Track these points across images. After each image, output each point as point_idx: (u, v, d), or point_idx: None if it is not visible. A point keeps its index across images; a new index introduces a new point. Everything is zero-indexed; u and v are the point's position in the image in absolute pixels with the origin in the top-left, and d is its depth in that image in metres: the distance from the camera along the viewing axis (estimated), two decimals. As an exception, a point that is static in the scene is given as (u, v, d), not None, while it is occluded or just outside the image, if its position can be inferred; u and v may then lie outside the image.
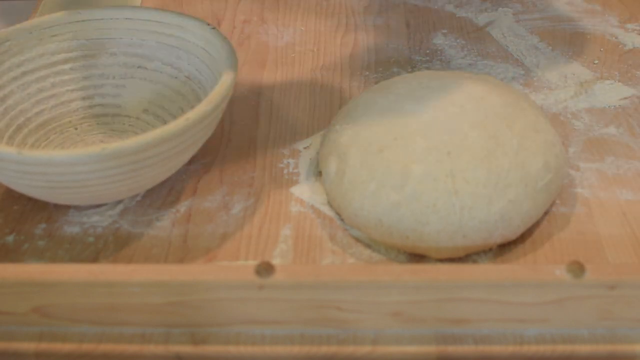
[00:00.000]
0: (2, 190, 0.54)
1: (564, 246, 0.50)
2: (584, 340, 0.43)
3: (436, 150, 0.49)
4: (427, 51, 0.70)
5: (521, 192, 0.49)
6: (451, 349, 0.43)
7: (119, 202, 0.53)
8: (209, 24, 0.56)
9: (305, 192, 0.54)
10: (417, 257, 0.50)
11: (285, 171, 0.56)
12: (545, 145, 0.51)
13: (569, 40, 0.71)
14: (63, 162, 0.45)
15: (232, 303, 0.43)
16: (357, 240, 0.51)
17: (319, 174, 0.55)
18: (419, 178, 0.48)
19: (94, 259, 0.50)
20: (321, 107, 0.63)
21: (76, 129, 0.56)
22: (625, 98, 0.64)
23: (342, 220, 0.52)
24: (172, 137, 0.47)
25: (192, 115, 0.48)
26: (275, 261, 0.49)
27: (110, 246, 0.50)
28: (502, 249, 0.50)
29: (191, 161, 0.57)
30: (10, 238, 0.51)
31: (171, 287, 0.42)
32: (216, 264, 0.49)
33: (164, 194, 0.54)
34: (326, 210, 0.53)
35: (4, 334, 0.44)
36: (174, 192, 0.54)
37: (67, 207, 0.53)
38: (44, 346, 0.44)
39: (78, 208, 0.53)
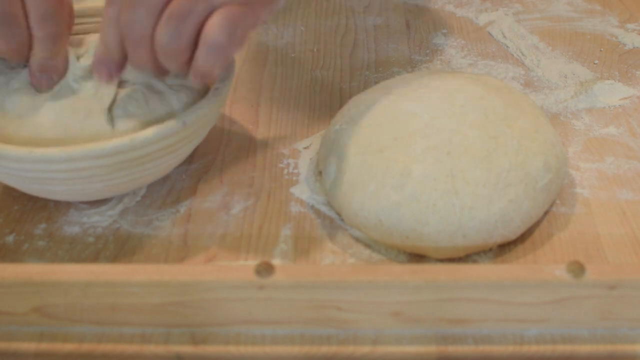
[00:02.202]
0: (2, 190, 0.54)
1: (564, 246, 0.50)
2: (584, 340, 0.43)
3: (436, 150, 0.49)
4: (427, 51, 0.70)
5: (521, 192, 0.49)
6: (451, 349, 0.43)
7: (119, 202, 0.53)
8: None
9: (305, 192, 0.54)
10: (417, 257, 0.50)
11: (285, 171, 0.56)
12: (545, 145, 0.51)
13: (569, 40, 0.71)
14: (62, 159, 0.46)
15: (232, 303, 0.43)
16: (357, 240, 0.51)
17: (319, 174, 0.55)
18: (419, 178, 0.48)
19: (94, 259, 0.50)
20: (321, 107, 0.63)
21: None
22: (625, 98, 0.64)
23: (342, 220, 0.52)
24: (173, 133, 0.48)
25: (187, 118, 0.48)
26: (275, 261, 0.49)
27: (110, 246, 0.50)
28: (502, 249, 0.50)
29: (191, 161, 0.57)
30: (10, 238, 0.51)
31: (171, 287, 0.42)
32: (216, 264, 0.49)
33: (164, 194, 0.54)
34: (326, 210, 0.53)
35: (4, 334, 0.44)
36: (174, 192, 0.54)
37: (67, 207, 0.53)
38: (44, 346, 0.44)
39: (78, 208, 0.53)
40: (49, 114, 0.49)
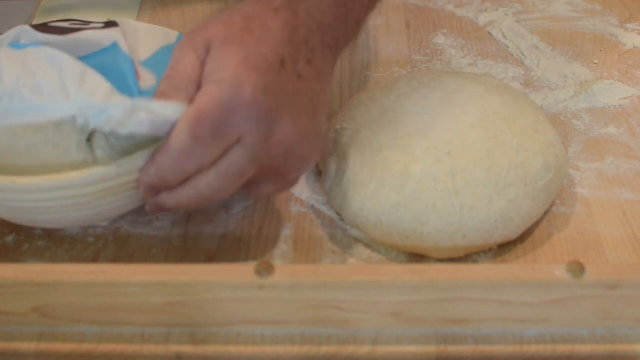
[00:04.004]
0: (2, 190, 0.54)
1: (564, 246, 0.50)
2: (584, 340, 0.43)
3: (436, 150, 0.49)
4: (427, 51, 0.70)
5: (521, 192, 0.49)
6: (451, 349, 0.43)
7: (119, 202, 0.53)
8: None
9: (305, 192, 0.54)
10: (417, 257, 0.50)
11: (285, 171, 0.56)
12: (545, 145, 0.51)
13: (569, 40, 0.71)
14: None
15: (232, 303, 0.43)
16: (357, 240, 0.51)
17: (319, 174, 0.55)
18: (419, 178, 0.48)
19: (94, 259, 0.50)
20: (321, 107, 0.63)
21: None
22: (625, 98, 0.64)
23: (342, 220, 0.52)
24: None
25: None
26: (276, 261, 0.49)
27: (110, 246, 0.50)
28: (502, 249, 0.50)
29: (191, 161, 0.57)
30: (10, 238, 0.51)
31: (171, 287, 0.42)
32: (216, 264, 0.49)
33: (164, 194, 0.54)
34: (326, 210, 0.53)
35: (4, 334, 0.44)
36: (174, 192, 0.54)
37: (67, 207, 0.53)
38: (44, 346, 0.44)
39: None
40: (28, 146, 0.46)
